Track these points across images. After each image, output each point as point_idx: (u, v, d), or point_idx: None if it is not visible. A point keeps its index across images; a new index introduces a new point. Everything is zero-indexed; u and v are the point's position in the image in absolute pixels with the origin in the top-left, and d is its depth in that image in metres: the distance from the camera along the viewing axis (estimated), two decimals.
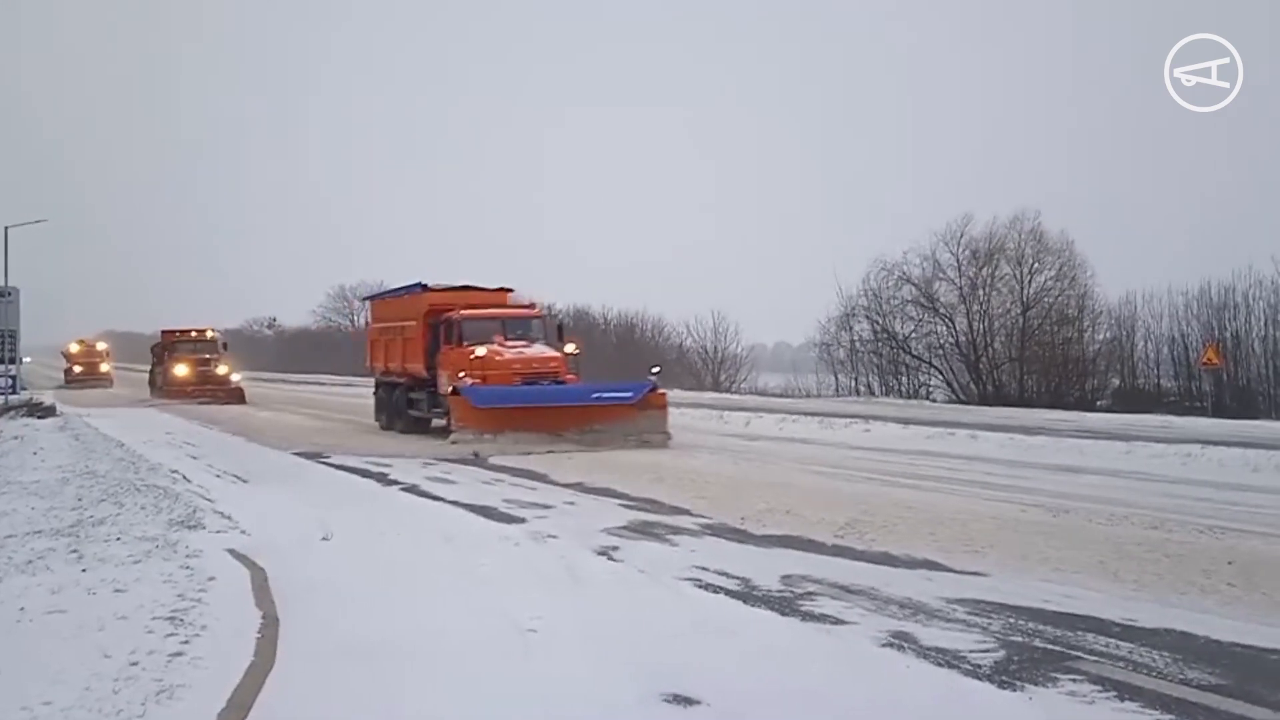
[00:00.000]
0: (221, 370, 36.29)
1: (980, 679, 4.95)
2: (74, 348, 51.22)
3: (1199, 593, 6.62)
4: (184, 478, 12.93)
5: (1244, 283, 29.06)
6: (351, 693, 4.77)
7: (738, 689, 4.83)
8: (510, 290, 21.09)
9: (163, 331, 39.32)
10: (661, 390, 17.65)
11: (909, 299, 36.54)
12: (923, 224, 38.68)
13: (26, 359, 39.44)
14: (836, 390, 37.43)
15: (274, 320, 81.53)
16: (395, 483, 12.79)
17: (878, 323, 37.11)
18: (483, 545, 8.47)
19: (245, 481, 13.07)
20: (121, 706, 4.37)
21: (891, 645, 5.51)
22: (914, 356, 36.60)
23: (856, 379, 37.96)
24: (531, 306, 20.87)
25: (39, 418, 24.04)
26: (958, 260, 35.47)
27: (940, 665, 5.17)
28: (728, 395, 35.39)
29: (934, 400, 33.16)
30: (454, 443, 16.28)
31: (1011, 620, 5.98)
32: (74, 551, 7.81)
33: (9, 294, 27.24)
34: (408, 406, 20.44)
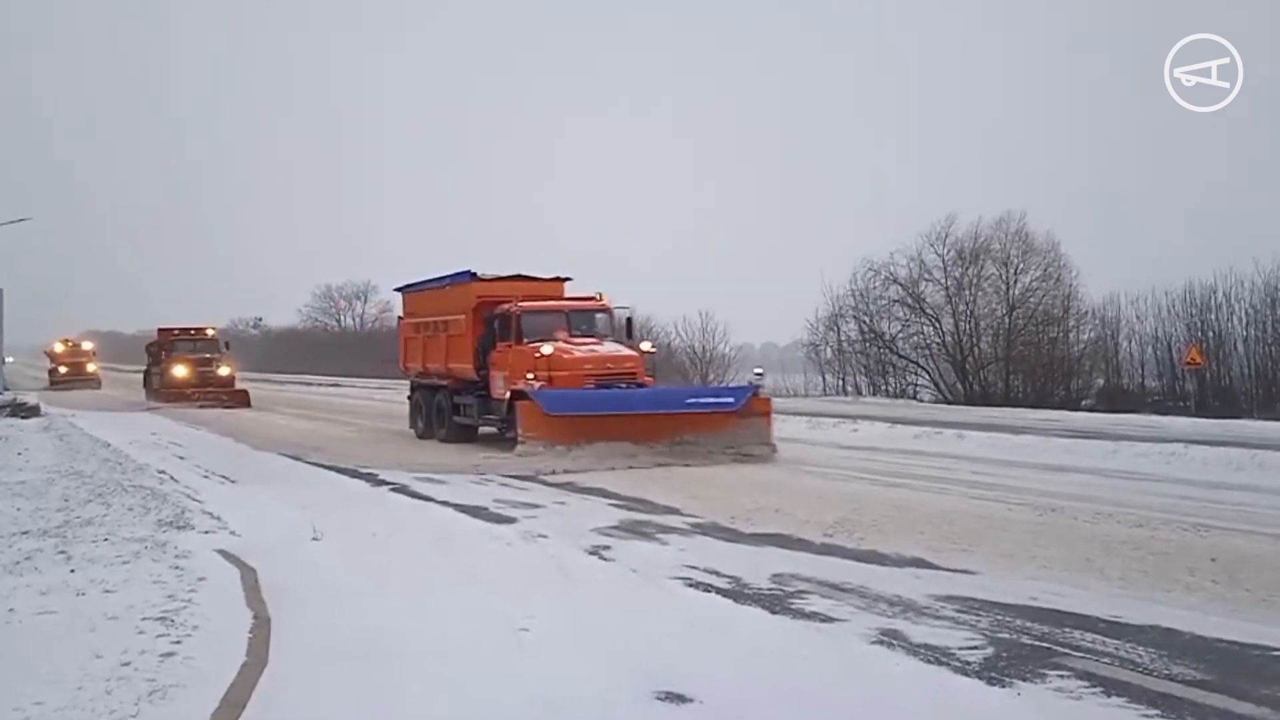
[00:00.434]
0: (223, 372, 33.70)
1: (969, 675, 5.01)
2: (59, 347, 49.47)
3: (1184, 590, 6.70)
4: (171, 478, 12.89)
5: (1226, 283, 29.32)
6: (345, 693, 4.77)
7: (730, 687, 4.86)
8: (568, 279, 18.30)
9: (159, 330, 36.31)
10: (766, 395, 15.42)
11: (896, 299, 36.69)
12: (915, 224, 38.77)
13: (9, 359, 38.96)
14: (824, 390, 37.54)
15: (260, 320, 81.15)
16: (385, 483, 12.77)
17: (865, 323, 37.24)
18: (474, 545, 8.49)
19: (233, 482, 13.03)
20: (115, 706, 4.37)
21: (881, 643, 5.55)
22: (901, 356, 36.75)
23: (844, 379, 38.09)
24: (597, 298, 17.53)
25: (23, 418, 23.89)
26: (943, 261, 35.65)
27: (929, 662, 5.21)
28: None
29: (921, 400, 33.31)
30: (521, 455, 14.19)
31: (1000, 617, 6.03)
32: (62, 552, 7.77)
33: None
34: (453, 413, 18.11)
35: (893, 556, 7.86)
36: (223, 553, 7.93)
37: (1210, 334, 29.24)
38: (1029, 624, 5.89)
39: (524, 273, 17.96)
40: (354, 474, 13.77)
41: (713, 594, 6.73)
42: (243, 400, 31.24)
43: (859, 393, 35.86)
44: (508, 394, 15.61)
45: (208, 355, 34.14)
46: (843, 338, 38.05)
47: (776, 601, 6.49)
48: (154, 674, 4.80)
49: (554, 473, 13.02)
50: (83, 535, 8.49)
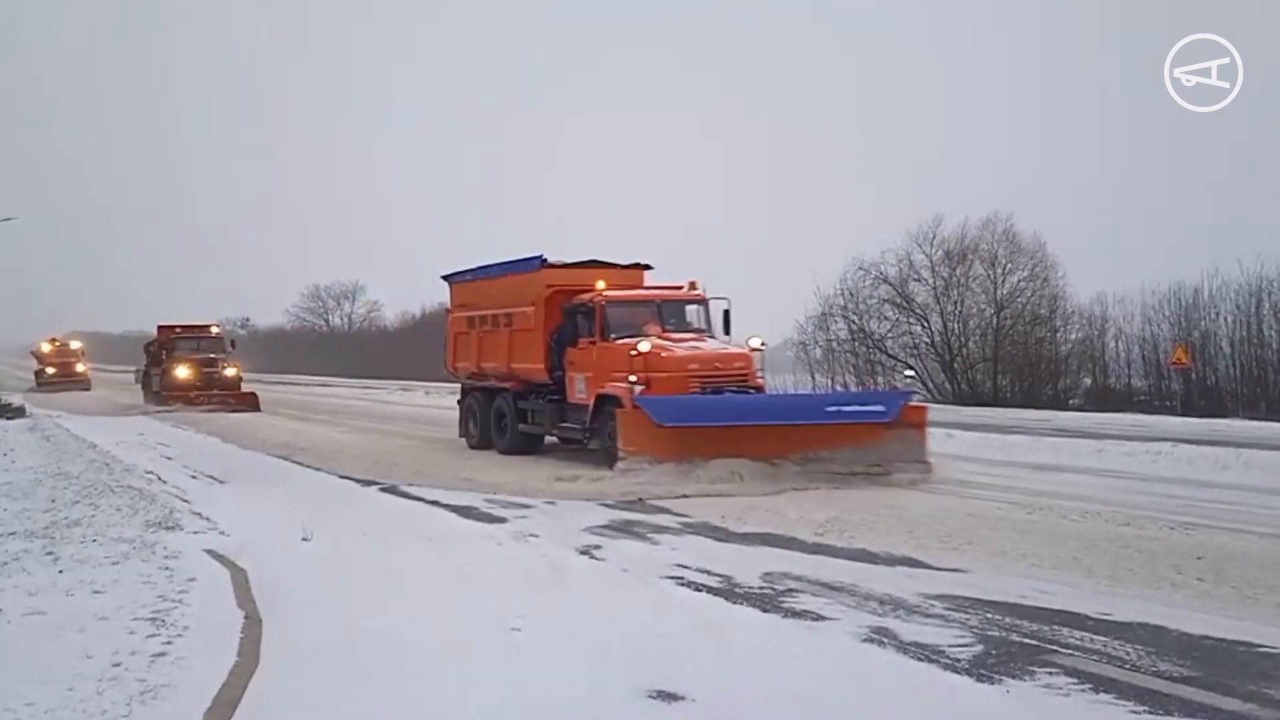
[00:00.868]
0: (229, 373, 31.28)
1: (959, 673, 5.04)
2: (46, 347, 47.72)
3: (1170, 587, 6.75)
4: (159, 479, 12.84)
5: (1213, 283, 29.52)
6: (337, 693, 4.78)
7: (722, 685, 4.88)
8: (647, 267, 15.83)
9: (159, 327, 33.73)
10: (921, 403, 13.01)
11: (885, 299, 36.79)
12: (905, 222, 38.83)
13: None
14: (813, 390, 37.62)
15: (248, 320, 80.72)
16: (374, 483, 12.73)
17: (854, 322, 37.33)
18: (465, 545, 8.48)
19: (221, 482, 12.98)
20: (106, 707, 4.36)
21: (872, 641, 5.58)
22: (889, 356, 36.86)
23: (833, 378, 38.16)
24: (689, 287, 14.90)
25: (7, 419, 23.77)
26: (931, 261, 35.78)
27: (920, 660, 5.25)
28: None
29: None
30: (621, 473, 11.86)
31: (989, 615, 6.07)
32: (50, 553, 7.74)
33: None
34: (518, 419, 15.56)
35: (883, 555, 7.90)
36: (212, 553, 7.92)
37: (1196, 334, 29.44)
38: (1018, 622, 5.93)
39: (599, 258, 15.38)
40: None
41: (704, 593, 6.75)
42: (251, 403, 28.83)
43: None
44: (592, 399, 13.44)
45: (212, 355, 31.64)
46: (832, 337, 38.14)
47: (768, 600, 6.51)
48: (145, 674, 4.80)
49: (668, 497, 10.83)
50: (71, 536, 8.46)
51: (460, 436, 17.32)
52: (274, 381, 49.32)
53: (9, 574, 7.06)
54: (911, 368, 16.45)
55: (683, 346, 13.40)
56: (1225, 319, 29.53)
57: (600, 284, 14.18)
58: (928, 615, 6.10)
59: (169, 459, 15.75)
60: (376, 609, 6.37)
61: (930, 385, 35.10)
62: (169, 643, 5.33)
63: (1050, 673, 5.01)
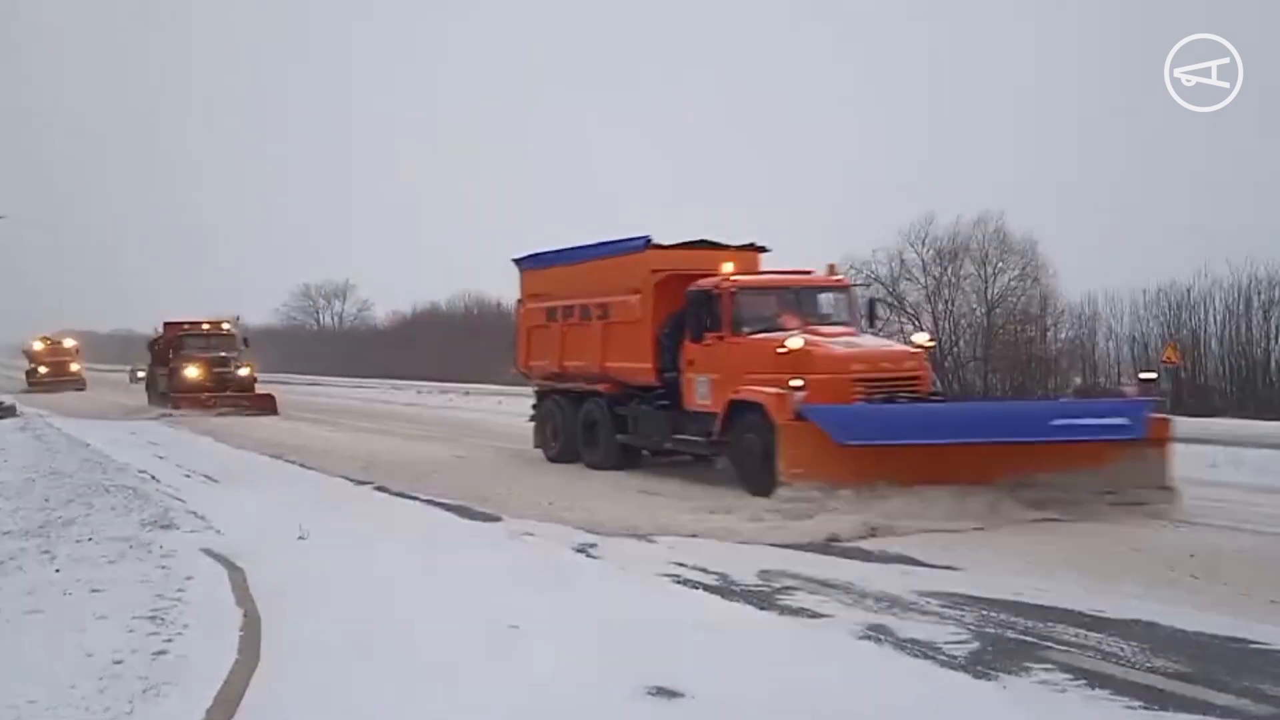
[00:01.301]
0: (243, 373, 28.74)
1: (955, 669, 5.09)
2: (38, 345, 45.53)
3: (1164, 585, 6.81)
4: (153, 478, 12.82)
5: (1204, 283, 29.70)
6: (338, 690, 4.79)
7: (720, 681, 4.92)
8: (764, 249, 13.45)
9: (165, 324, 31.30)
10: (1164, 415, 10.27)
11: (876, 297, 36.89)
12: (898, 220, 38.91)
13: None
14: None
15: (238, 319, 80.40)
16: (368, 481, 12.72)
17: None
18: (462, 544, 8.50)
19: (216, 481, 12.96)
20: (109, 704, 4.38)
21: (868, 638, 5.62)
22: None
23: None
24: (828, 273, 12.66)
25: None
26: (922, 260, 35.92)
27: (916, 656, 5.29)
28: None
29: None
30: (785, 503, 9.29)
31: (985, 613, 6.12)
32: (45, 552, 7.75)
33: None
34: (615, 429, 13.17)
35: (879, 553, 7.95)
36: (209, 552, 7.93)
37: (1186, 333, 29.63)
38: (1013, 619, 5.98)
39: (709, 238, 13.07)
40: (401, 495, 11.38)
41: (700, 591, 6.79)
42: (267, 406, 26.51)
43: None
44: (720, 406, 11.00)
45: (224, 354, 28.94)
46: None
47: (764, 598, 6.56)
48: (146, 672, 4.81)
49: (866, 536, 8.52)
50: (66, 535, 8.46)
51: (536, 447, 14.82)
52: (266, 381, 49.12)
53: (5, 573, 7.07)
54: (1153, 370, 13.08)
55: (838, 343, 10.95)
56: (1214, 318, 29.75)
57: (727, 266, 11.83)
58: (924, 612, 6.15)
59: (161, 458, 15.71)
60: (374, 607, 6.39)
61: None
62: (169, 641, 5.34)
63: (1046, 669, 5.06)
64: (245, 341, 30.84)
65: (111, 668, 4.86)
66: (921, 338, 12.01)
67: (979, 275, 34.93)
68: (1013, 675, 4.97)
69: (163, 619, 5.76)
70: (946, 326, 35.17)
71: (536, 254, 15.37)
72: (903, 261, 36.11)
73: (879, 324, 12.63)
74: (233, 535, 8.71)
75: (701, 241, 12.96)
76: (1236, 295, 29.09)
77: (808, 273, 12.67)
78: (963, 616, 6.04)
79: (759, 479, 10.14)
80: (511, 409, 27.20)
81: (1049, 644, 5.49)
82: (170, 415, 25.47)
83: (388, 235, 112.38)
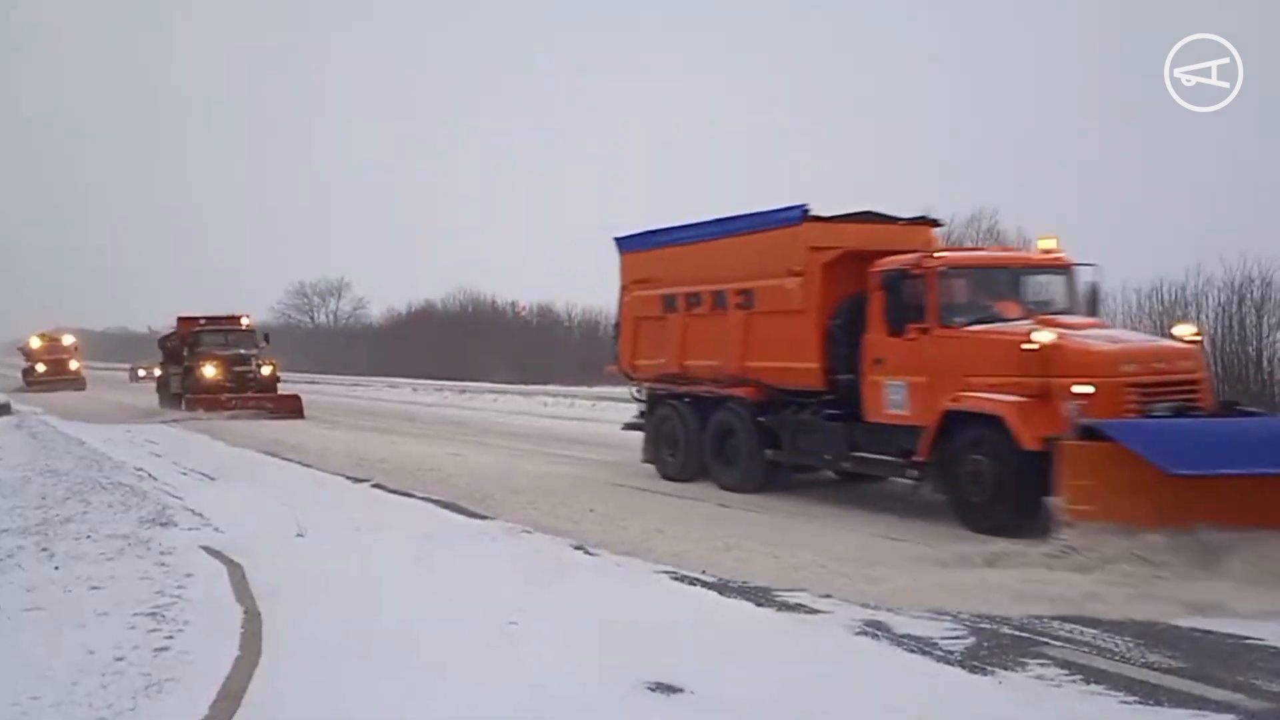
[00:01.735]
0: (266, 371, 26.89)
1: (951, 664, 5.13)
2: (35, 343, 44.01)
3: (1156, 581, 6.83)
4: (150, 475, 12.81)
5: (1198, 281, 29.76)
6: (339, 685, 4.82)
7: (719, 676, 4.95)
8: (937, 223, 11.61)
9: (180, 319, 29.05)
10: None
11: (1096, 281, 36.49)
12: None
13: None
14: None
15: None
16: (365, 479, 12.73)
17: None
18: (459, 540, 8.52)
19: (212, 479, 12.96)
20: (112, 700, 4.40)
21: (865, 633, 5.66)
22: None
23: None
24: (1049, 251, 10.11)
25: None
26: None
27: (913, 652, 5.33)
28: None
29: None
30: (1075, 554, 6.97)
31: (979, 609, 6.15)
32: (44, 550, 7.76)
33: None
34: (760, 443, 10.85)
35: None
36: (207, 549, 7.95)
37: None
38: (1008, 615, 6.00)
39: (874, 210, 10.91)
40: (396, 492, 10.94)
41: (698, 587, 6.82)
42: (293, 408, 24.40)
43: None
44: (929, 418, 8.93)
45: (243, 351, 26.91)
46: None
47: (761, 594, 6.59)
48: (149, 668, 4.84)
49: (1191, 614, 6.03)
50: (64, 533, 8.47)
51: (646, 462, 12.55)
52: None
53: (4, 571, 7.08)
54: None
55: (1095, 337, 8.86)
56: (1207, 316, 29.83)
57: (933, 235, 10.05)
58: (920, 609, 6.19)
59: (158, 456, 15.70)
60: (374, 603, 6.41)
61: None
62: (170, 637, 5.37)
63: (1042, 664, 5.10)
64: (266, 338, 28.94)
65: (114, 664, 4.88)
66: (1186, 330, 9.16)
67: None
68: (1009, 670, 5.02)
69: (163, 616, 5.78)
70: None
71: (646, 232, 13.03)
72: None
73: (1100, 314, 10.25)
74: (231, 532, 8.72)
75: (866, 213, 10.80)
76: (1230, 293, 29.21)
77: (1009, 248, 9.73)
78: (958, 613, 6.04)
79: (988, 513, 8.33)
80: (507, 407, 27.25)
81: (1044, 639, 5.51)
82: (187, 419, 23.23)
83: (383, 233, 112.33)
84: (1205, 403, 8.55)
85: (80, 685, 4.58)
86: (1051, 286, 9.88)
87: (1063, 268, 9.92)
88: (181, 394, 26.58)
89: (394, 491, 11.70)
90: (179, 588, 6.50)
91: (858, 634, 5.66)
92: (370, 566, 7.54)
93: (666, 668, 4.98)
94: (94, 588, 6.47)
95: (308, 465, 14.50)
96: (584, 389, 29.23)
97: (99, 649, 5.11)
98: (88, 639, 5.29)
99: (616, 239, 13.48)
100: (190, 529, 8.86)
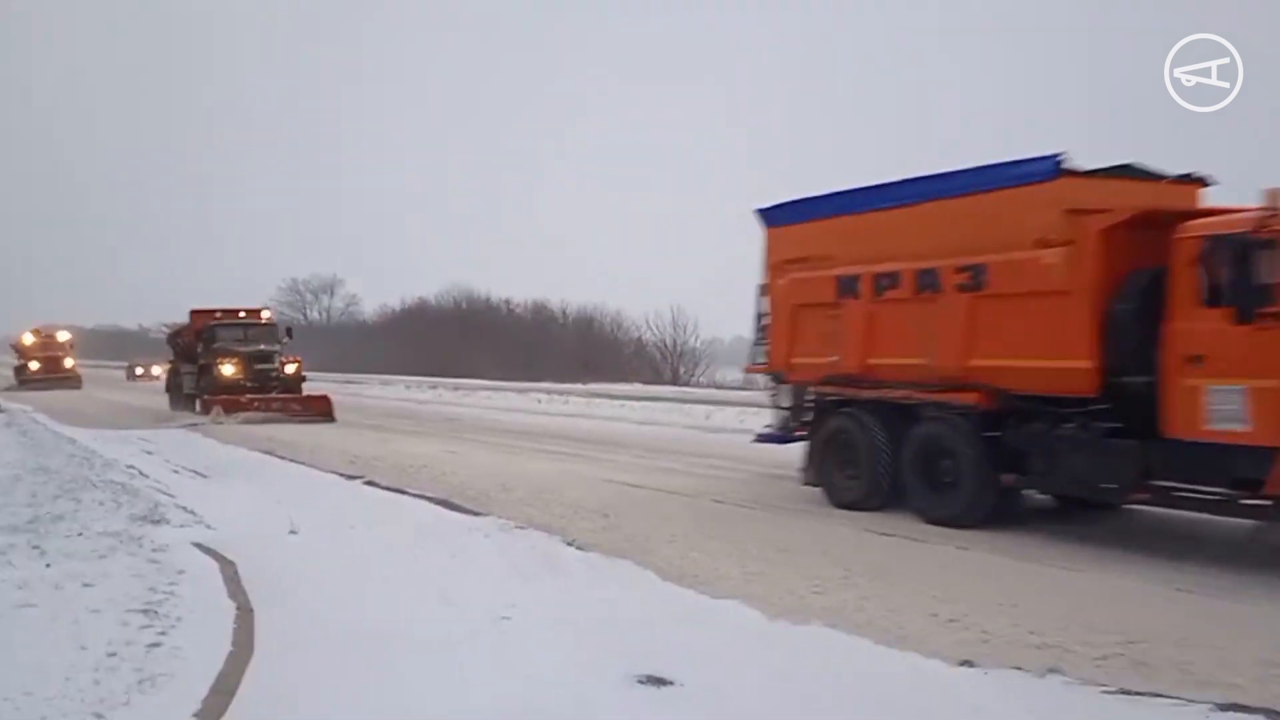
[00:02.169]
0: (290, 369, 24.29)
1: (938, 657, 5.17)
2: (29, 339, 42.42)
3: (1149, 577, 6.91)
4: (141, 473, 12.79)
5: None
6: (332, 680, 4.85)
7: (710, 669, 4.99)
8: (1205, 182, 8.86)
9: (193, 313, 26.21)
10: None
11: None
12: None
13: None
14: None
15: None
16: (358, 476, 12.74)
17: None
18: (452, 536, 8.52)
19: (205, 476, 12.96)
20: (105, 695, 4.41)
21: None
22: None
23: None
24: None
25: None
26: None
27: (906, 648, 5.37)
28: (686, 389, 35.61)
29: None
30: None
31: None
32: (35, 547, 7.73)
33: None
34: (993, 464, 8.55)
35: None
36: (200, 546, 7.95)
37: None
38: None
39: (1134, 164, 8.72)
40: (386, 488, 10.92)
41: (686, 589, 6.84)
42: (323, 410, 22.14)
43: None
44: None
45: (264, 348, 24.22)
46: None
47: None
48: (141, 664, 4.85)
49: None
50: (55, 530, 8.44)
51: (809, 484, 10.28)
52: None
53: None
54: None
55: None
56: None
57: (1200, 195, 8.56)
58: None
59: (149, 453, 15.67)
60: (367, 599, 6.43)
61: None
62: (163, 633, 5.38)
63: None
64: (289, 332, 26.16)
65: (106, 660, 4.90)
66: None
67: None
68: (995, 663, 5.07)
69: (156, 612, 5.79)
70: None
71: (806, 200, 10.62)
72: None
73: None
74: (223, 530, 8.72)
75: (1123, 167, 8.66)
76: None
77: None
78: None
79: None
80: (501, 404, 27.25)
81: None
82: (204, 423, 21.04)
83: (377, 230, 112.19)
84: None
85: (73, 681, 4.59)
86: None
87: None
88: (196, 395, 24.23)
89: (387, 489, 11.71)
90: (171, 584, 6.51)
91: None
92: (363, 563, 7.55)
93: (657, 660, 5.01)
94: (86, 585, 6.46)
95: (300, 463, 14.48)
96: (578, 386, 29.28)
97: (91, 645, 5.12)
98: (80, 635, 5.29)
99: (761, 210, 11.12)
100: (182, 526, 8.86)
